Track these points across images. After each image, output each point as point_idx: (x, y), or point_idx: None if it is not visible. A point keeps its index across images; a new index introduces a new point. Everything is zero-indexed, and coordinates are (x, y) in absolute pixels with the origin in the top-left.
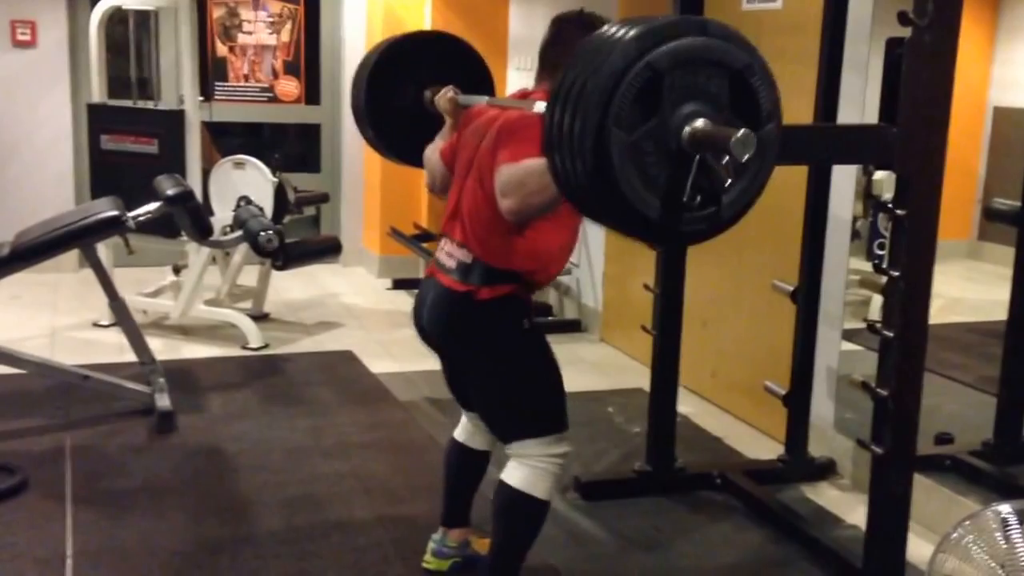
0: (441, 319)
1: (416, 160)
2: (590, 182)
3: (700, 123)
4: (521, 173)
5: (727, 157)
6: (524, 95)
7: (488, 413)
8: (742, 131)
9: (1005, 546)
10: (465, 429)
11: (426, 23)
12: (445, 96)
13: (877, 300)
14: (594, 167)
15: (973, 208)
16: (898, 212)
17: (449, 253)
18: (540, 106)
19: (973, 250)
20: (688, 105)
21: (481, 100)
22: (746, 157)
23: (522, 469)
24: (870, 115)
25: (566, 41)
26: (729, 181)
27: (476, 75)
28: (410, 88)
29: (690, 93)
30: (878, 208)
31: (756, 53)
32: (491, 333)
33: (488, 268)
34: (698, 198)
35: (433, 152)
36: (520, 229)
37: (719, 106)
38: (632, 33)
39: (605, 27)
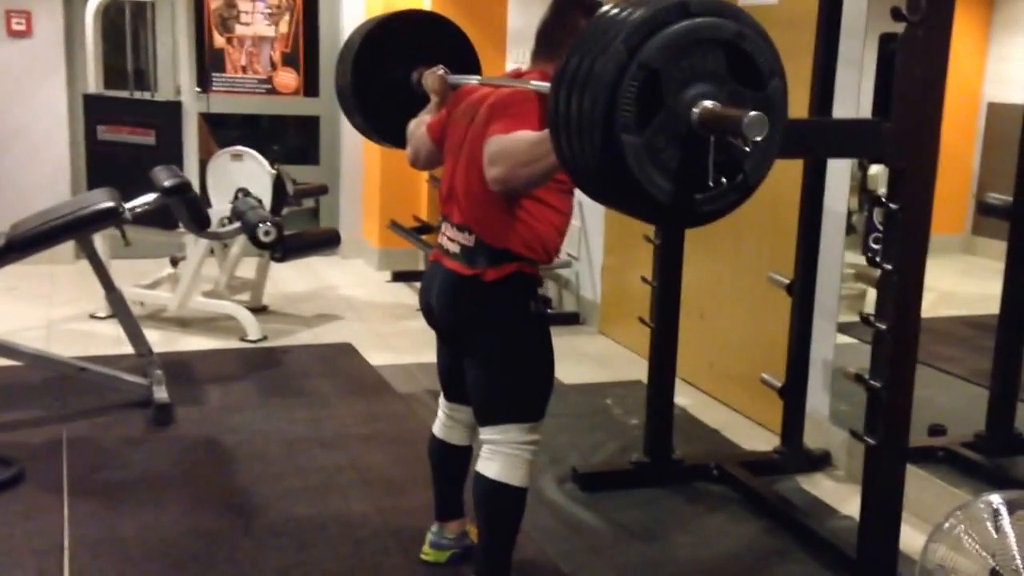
0: (450, 303)
1: (401, 142)
2: (608, 183)
3: (708, 104)
4: (511, 144)
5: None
6: (518, 75)
7: (479, 394)
8: (751, 114)
9: (996, 536)
10: (443, 425)
11: None
12: (434, 74)
13: (872, 294)
14: (610, 171)
15: (967, 203)
16: (891, 206)
17: (451, 238)
18: (535, 84)
19: (967, 244)
20: (691, 88)
21: (472, 79)
22: (759, 138)
23: (497, 458)
24: (864, 110)
25: (566, 22)
26: (748, 149)
27: (465, 57)
28: (397, 69)
29: (690, 76)
30: (873, 202)
31: (743, 16)
32: (499, 313)
33: (491, 249)
34: (722, 178)
35: (418, 127)
36: (515, 207)
37: (721, 80)
38: (619, 36)
39: (589, 24)
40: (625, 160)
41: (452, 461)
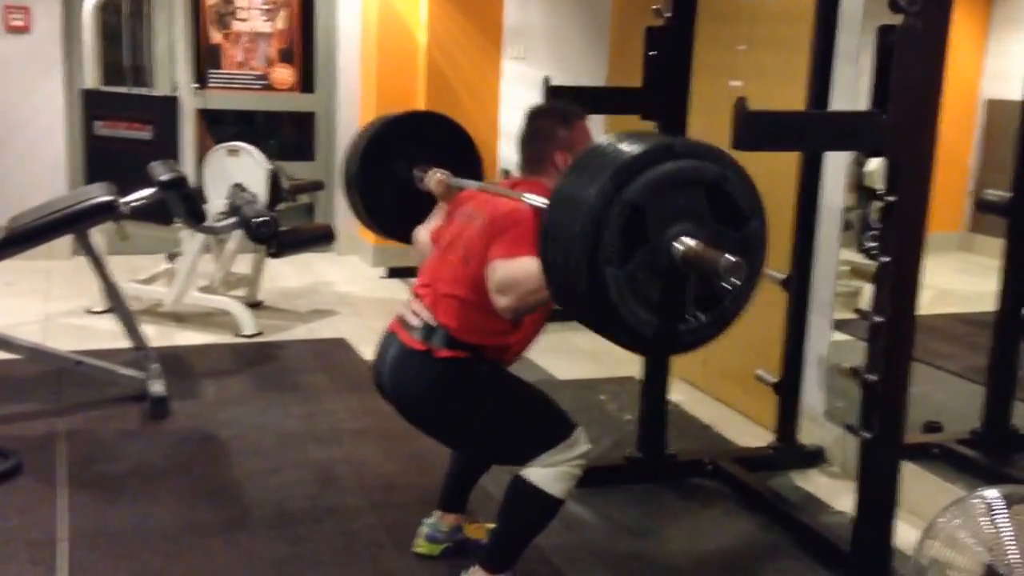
0: (400, 378)
1: (398, 233)
2: (590, 311)
3: (689, 243)
4: (517, 273)
5: None
6: (513, 184)
7: (485, 456)
8: (729, 259)
9: (992, 531)
10: None
11: (421, 13)
12: (435, 178)
13: (868, 291)
14: (592, 300)
15: (965, 200)
16: (888, 198)
17: (415, 312)
18: (531, 199)
19: (964, 242)
20: (673, 226)
21: (471, 184)
22: (736, 283)
23: (544, 470)
24: (862, 104)
25: (545, 133)
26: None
27: (466, 155)
28: (400, 164)
29: (673, 214)
30: (870, 199)
31: (727, 160)
32: (448, 388)
33: (450, 337)
34: (698, 314)
35: (424, 235)
36: (492, 317)
37: (702, 219)
38: (607, 172)
39: (580, 156)
40: (607, 293)
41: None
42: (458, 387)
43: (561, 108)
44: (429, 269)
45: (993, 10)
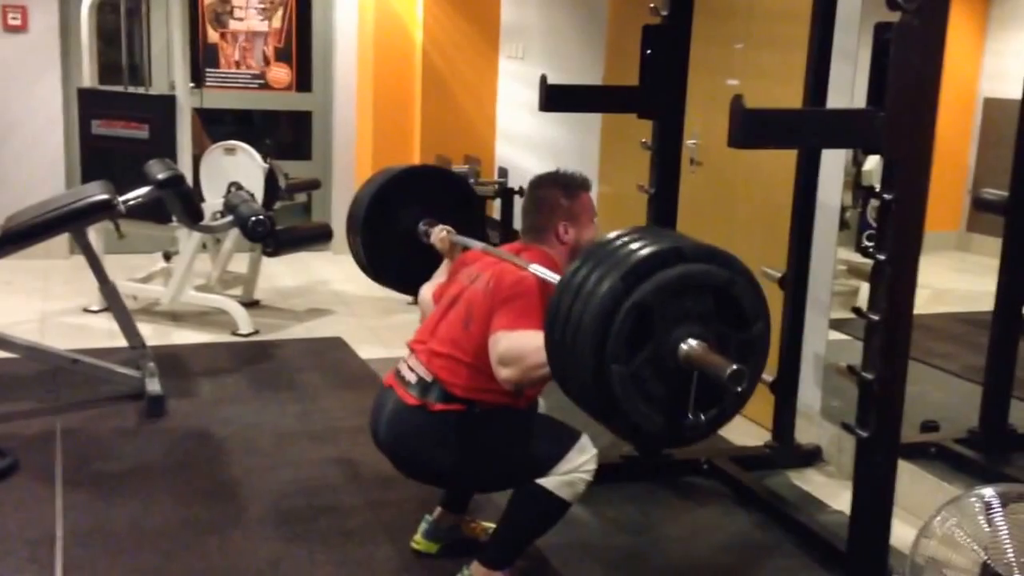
0: (396, 433)
1: (398, 285)
2: (595, 405)
3: (694, 345)
4: (521, 346)
5: None
6: (518, 251)
7: (495, 489)
8: (732, 368)
9: (988, 530)
10: None
11: (418, 12)
12: (439, 235)
13: (865, 289)
14: (597, 395)
15: (962, 199)
16: (885, 196)
17: (411, 367)
18: (535, 268)
19: (962, 241)
20: (679, 328)
21: (476, 245)
22: (739, 390)
23: (556, 477)
24: (859, 103)
25: (548, 204)
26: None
27: (468, 210)
28: (404, 216)
29: (679, 316)
30: (867, 198)
31: (734, 264)
32: (447, 442)
33: (447, 392)
34: (700, 415)
35: (427, 294)
36: (490, 384)
37: (707, 320)
38: (617, 272)
39: (591, 249)
40: (612, 389)
41: None
42: (455, 439)
43: (564, 179)
44: (428, 326)
45: (991, 9)
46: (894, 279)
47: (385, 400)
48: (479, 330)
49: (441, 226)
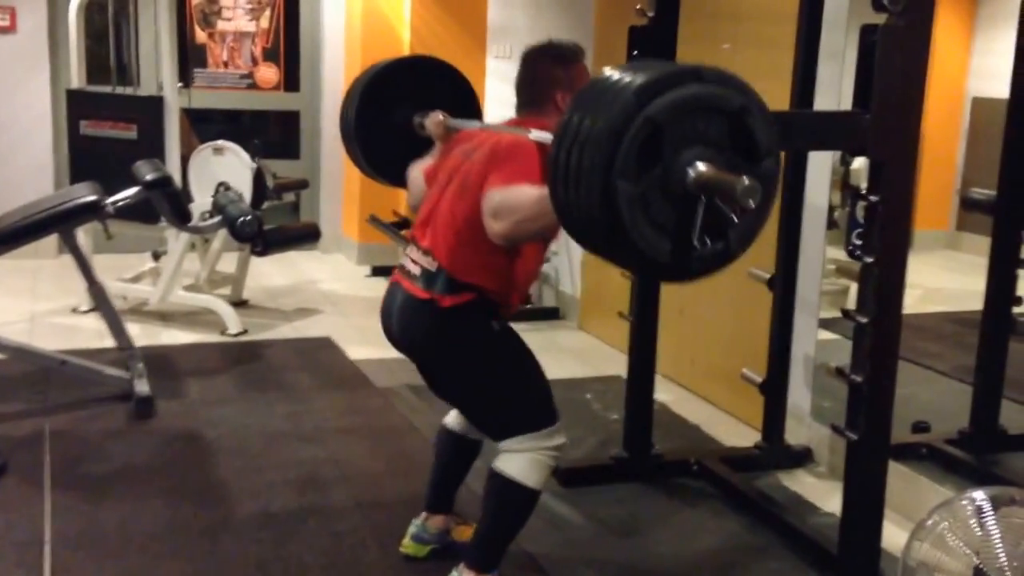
0: (408, 327)
1: (400, 181)
2: (599, 229)
3: (704, 168)
4: (514, 199)
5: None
6: (516, 123)
7: (472, 416)
8: (746, 181)
9: (980, 533)
10: (457, 416)
11: (405, 12)
12: (435, 120)
13: (855, 289)
14: (602, 217)
15: (951, 198)
16: (872, 198)
17: (414, 260)
18: (536, 134)
19: (951, 240)
20: (690, 150)
21: (473, 124)
22: (752, 204)
23: (517, 459)
24: (846, 104)
25: (543, 74)
26: (735, 218)
27: (466, 102)
28: (399, 112)
29: (691, 139)
30: (856, 197)
31: (751, 93)
32: (458, 339)
33: (451, 279)
34: (707, 239)
35: (417, 172)
36: (491, 252)
37: (719, 147)
38: (631, 87)
39: (604, 75)
40: (618, 208)
41: (458, 454)
42: (466, 337)
43: (558, 49)
44: (425, 207)
45: (978, 8)
46: (882, 281)
47: (394, 295)
48: (474, 198)
49: (437, 111)
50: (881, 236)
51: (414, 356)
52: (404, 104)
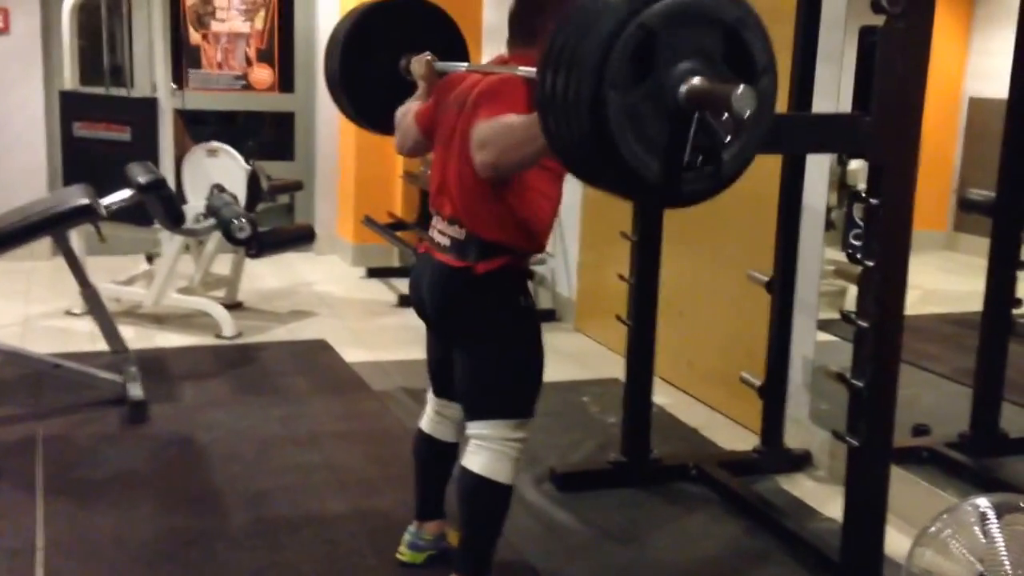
0: (441, 295)
1: (388, 128)
2: (587, 145)
3: (697, 80)
4: (498, 127)
5: (726, 114)
6: (503, 61)
7: (467, 386)
8: (742, 87)
9: (984, 540)
10: (431, 420)
11: None
12: (421, 60)
13: (853, 290)
14: (591, 130)
15: (949, 199)
16: (872, 201)
17: (441, 231)
18: (524, 69)
19: (949, 241)
20: (683, 63)
21: (460, 66)
22: (747, 113)
23: (482, 453)
24: (845, 106)
25: (537, 5)
26: (729, 138)
27: (453, 44)
28: (385, 56)
29: (684, 50)
30: (853, 198)
31: (747, 6)
32: (488, 305)
33: (481, 242)
34: (699, 157)
35: (405, 115)
36: (506, 196)
37: (714, 62)
38: None
39: (573, 5)
40: (607, 120)
41: (437, 458)
42: (494, 306)
43: None
44: (435, 174)
45: (976, 8)
46: (883, 285)
47: (424, 266)
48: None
49: (420, 55)
50: (881, 240)
51: (438, 323)
52: (390, 48)
